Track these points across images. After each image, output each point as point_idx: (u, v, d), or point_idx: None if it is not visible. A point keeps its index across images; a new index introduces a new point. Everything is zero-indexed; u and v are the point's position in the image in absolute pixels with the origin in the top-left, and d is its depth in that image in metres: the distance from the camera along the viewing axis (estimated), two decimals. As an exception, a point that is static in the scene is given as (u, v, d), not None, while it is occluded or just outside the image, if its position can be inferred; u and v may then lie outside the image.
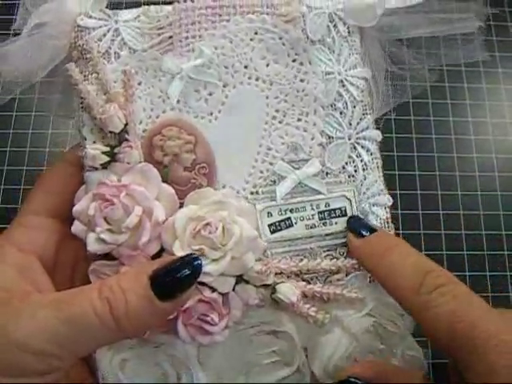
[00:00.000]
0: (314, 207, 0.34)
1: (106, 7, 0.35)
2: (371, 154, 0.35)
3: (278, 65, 0.35)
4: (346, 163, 0.35)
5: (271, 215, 0.34)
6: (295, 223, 0.34)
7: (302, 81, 0.35)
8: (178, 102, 0.34)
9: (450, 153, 0.52)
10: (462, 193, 0.50)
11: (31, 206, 0.33)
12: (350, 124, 0.35)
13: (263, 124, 0.34)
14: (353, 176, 0.35)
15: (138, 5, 0.35)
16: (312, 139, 0.35)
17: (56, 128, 0.52)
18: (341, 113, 0.35)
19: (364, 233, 0.32)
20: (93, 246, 0.29)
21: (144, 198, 0.29)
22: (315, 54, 0.35)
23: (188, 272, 0.26)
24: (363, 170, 0.35)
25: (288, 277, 0.32)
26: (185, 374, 0.29)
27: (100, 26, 0.34)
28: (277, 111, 0.35)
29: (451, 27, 0.33)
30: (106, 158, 0.31)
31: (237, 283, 0.31)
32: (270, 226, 0.33)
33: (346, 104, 0.35)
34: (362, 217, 0.34)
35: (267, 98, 0.35)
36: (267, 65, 0.35)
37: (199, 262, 0.26)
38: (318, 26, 0.35)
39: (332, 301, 0.32)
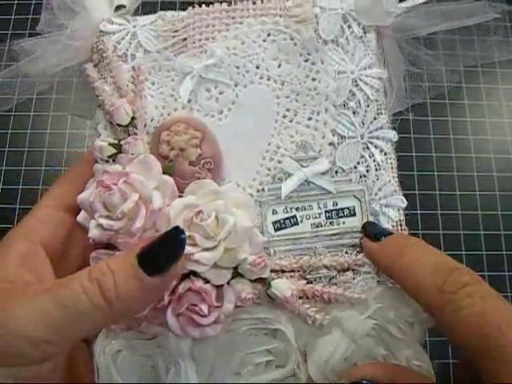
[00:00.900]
0: (321, 206, 0.33)
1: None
2: (385, 154, 0.34)
3: (290, 65, 0.35)
4: (358, 163, 0.34)
5: (276, 212, 0.33)
6: (301, 221, 0.33)
7: (313, 80, 0.34)
8: (189, 100, 0.34)
9: (448, 153, 0.52)
10: (460, 193, 0.51)
11: (46, 199, 0.34)
12: (363, 123, 0.34)
13: (273, 123, 0.34)
14: (364, 176, 0.33)
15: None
16: (323, 138, 0.34)
17: (74, 128, 0.54)
18: (354, 112, 0.34)
19: (380, 237, 0.31)
20: (93, 232, 0.30)
21: (142, 186, 0.29)
22: (328, 53, 0.35)
23: (173, 243, 0.26)
24: (376, 169, 0.34)
25: (291, 276, 0.31)
26: (174, 368, 0.28)
27: (119, 31, 0.36)
28: (287, 110, 0.34)
29: (467, 20, 0.32)
30: (113, 150, 0.32)
31: (233, 277, 0.30)
32: (274, 223, 0.32)
33: (359, 103, 0.34)
34: (377, 223, 0.33)
35: (278, 97, 0.34)
36: (279, 65, 0.35)
37: (184, 235, 0.26)
38: (332, 26, 0.35)
39: (333, 302, 0.30)
